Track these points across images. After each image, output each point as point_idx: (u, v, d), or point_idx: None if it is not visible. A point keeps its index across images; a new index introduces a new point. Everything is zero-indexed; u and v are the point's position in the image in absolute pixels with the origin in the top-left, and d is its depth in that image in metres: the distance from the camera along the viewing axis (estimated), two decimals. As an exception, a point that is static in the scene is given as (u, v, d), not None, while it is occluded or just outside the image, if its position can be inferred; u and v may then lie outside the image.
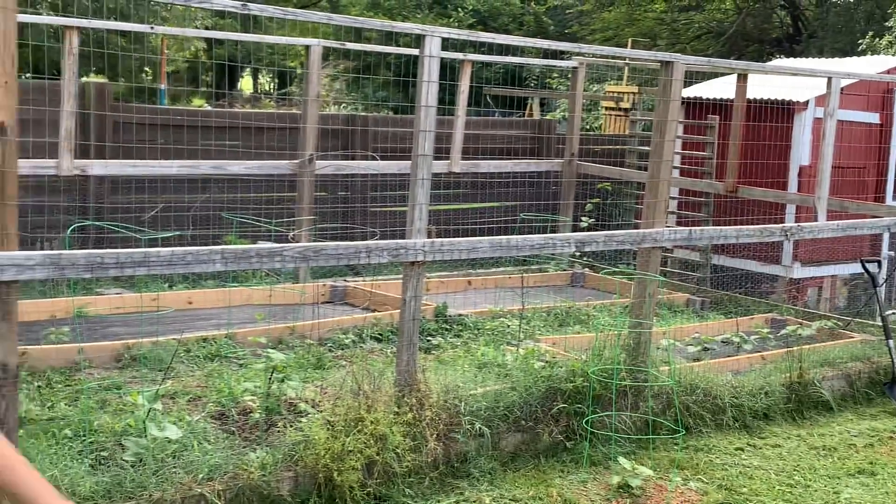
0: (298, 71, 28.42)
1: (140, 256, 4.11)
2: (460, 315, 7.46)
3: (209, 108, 15.76)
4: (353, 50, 9.68)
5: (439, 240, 5.17)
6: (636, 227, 7.87)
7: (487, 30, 16.08)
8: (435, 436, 4.88)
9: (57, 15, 9.48)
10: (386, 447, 4.61)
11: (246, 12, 4.06)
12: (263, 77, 30.74)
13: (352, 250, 4.87)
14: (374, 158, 8.53)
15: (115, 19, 11.53)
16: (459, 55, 8.87)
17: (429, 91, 4.98)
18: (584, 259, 9.93)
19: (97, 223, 4.79)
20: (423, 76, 4.97)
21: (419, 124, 4.99)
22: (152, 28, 7.58)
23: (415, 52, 9.77)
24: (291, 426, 4.68)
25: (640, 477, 4.94)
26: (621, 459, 5.06)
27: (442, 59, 5.02)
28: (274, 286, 7.77)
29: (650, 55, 6.29)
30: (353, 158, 9.69)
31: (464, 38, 5.18)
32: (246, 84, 30.63)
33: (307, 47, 8.01)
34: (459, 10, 19.78)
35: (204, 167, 8.14)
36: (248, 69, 28.62)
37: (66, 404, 5.18)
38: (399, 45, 12.98)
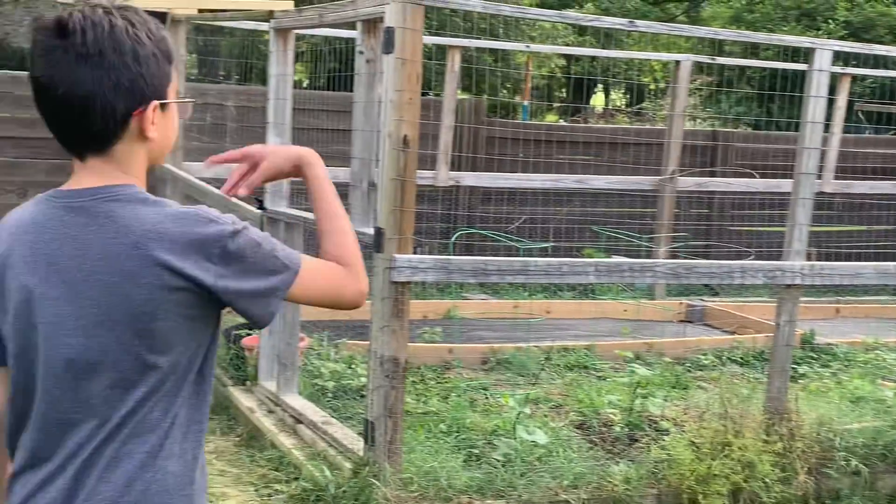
0: (651, 87, 28.24)
1: (520, 265, 4.28)
2: (829, 344, 7.03)
3: (563, 123, 16.11)
4: (714, 64, 9.42)
5: (819, 263, 4.92)
6: None
7: (860, 41, 15.07)
8: (805, 469, 4.63)
9: (434, 35, 10.12)
10: (753, 475, 4.44)
11: (633, 29, 4.10)
12: (616, 93, 30.91)
13: (725, 269, 4.76)
14: (751, 176, 8.28)
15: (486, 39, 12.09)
16: (838, 69, 8.38)
17: (816, 107, 4.75)
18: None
19: (480, 231, 5.09)
20: (810, 91, 4.75)
21: (803, 141, 4.77)
22: (528, 46, 7.88)
23: (780, 65, 9.42)
24: (655, 443, 4.65)
25: None
26: None
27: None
28: (638, 301, 7.76)
29: None
30: (713, 175, 9.47)
31: (856, 52, 4.88)
32: (598, 100, 30.92)
33: (676, 62, 7.93)
34: (830, 21, 18.67)
35: (567, 181, 8.33)
36: (600, 85, 28.89)
37: (437, 400, 5.50)
38: (759, 59, 12.50)
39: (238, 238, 1.63)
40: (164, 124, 1.69)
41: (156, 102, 1.65)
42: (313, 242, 5.95)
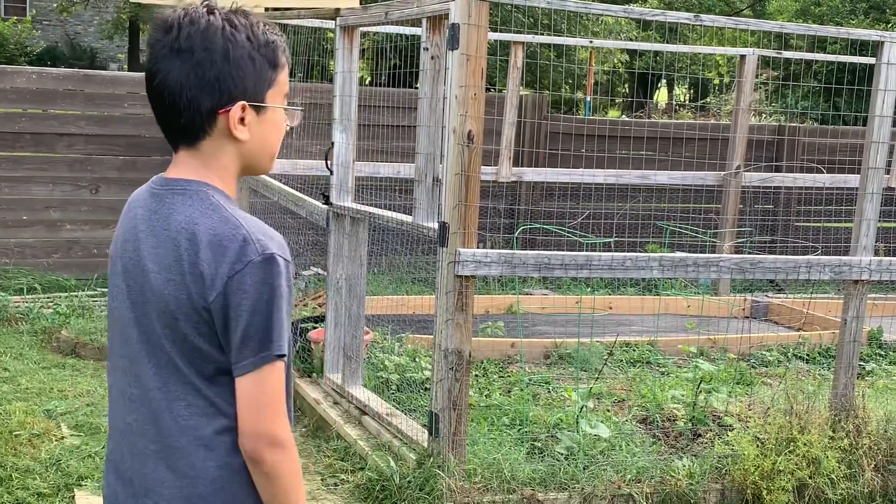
0: (716, 81, 27.92)
1: (583, 259, 4.30)
2: (898, 341, 6.93)
3: (626, 118, 16.03)
4: (780, 59, 9.30)
5: (887, 259, 4.85)
6: None
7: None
8: (872, 466, 4.59)
9: (496, 31, 10.13)
10: (819, 471, 4.41)
11: (698, 23, 4.10)
12: (679, 88, 30.62)
13: (791, 264, 4.72)
14: (818, 171, 8.18)
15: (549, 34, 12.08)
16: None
17: (884, 100, 4.69)
18: None
19: (543, 226, 5.13)
20: (878, 84, 4.69)
21: (871, 135, 4.72)
22: (591, 42, 7.89)
23: (847, 59, 9.26)
24: (719, 438, 4.64)
25: None
26: None
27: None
28: (703, 297, 7.71)
29: None
30: (778, 170, 9.36)
31: (927, 43, 4.79)
32: (661, 95, 30.68)
33: (741, 56, 7.85)
34: (900, 13, 18.31)
35: (629, 177, 8.29)
36: (664, 80, 28.68)
37: (500, 394, 5.55)
38: (826, 53, 12.28)
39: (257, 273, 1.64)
40: (260, 129, 1.73)
41: (243, 103, 1.69)
42: (377, 237, 6.00)
